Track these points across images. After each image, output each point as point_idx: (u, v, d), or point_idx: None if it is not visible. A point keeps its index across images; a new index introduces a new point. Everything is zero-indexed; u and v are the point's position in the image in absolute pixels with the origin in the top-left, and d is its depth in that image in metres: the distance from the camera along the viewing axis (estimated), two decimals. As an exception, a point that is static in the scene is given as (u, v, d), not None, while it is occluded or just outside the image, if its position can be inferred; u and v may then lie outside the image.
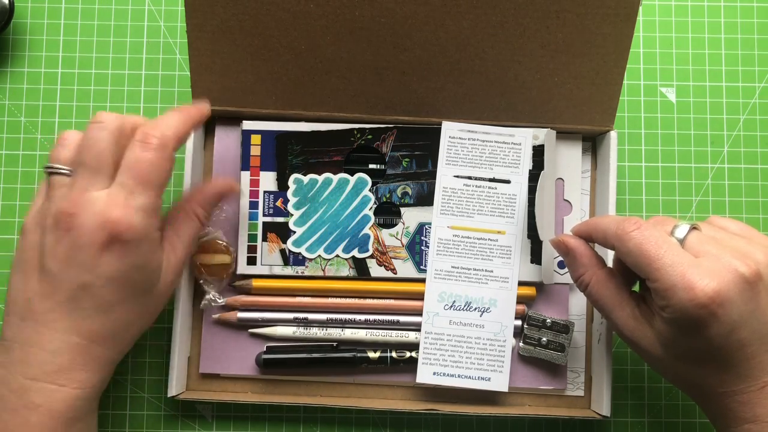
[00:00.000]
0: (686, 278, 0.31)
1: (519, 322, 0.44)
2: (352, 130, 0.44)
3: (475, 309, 0.43)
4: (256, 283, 0.44)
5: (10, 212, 0.47)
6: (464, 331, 0.43)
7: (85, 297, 0.33)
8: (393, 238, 0.44)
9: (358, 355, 0.44)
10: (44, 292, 0.33)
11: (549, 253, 0.44)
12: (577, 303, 0.45)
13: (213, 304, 0.44)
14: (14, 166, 0.47)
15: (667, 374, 0.36)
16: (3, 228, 0.47)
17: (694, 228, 0.34)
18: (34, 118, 0.48)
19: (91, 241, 0.32)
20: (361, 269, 0.44)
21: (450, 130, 0.44)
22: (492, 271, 0.44)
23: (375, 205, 0.44)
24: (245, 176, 0.44)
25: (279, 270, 0.44)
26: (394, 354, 0.44)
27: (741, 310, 0.31)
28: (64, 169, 0.35)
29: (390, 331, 0.44)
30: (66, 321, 0.33)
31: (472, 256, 0.44)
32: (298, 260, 0.44)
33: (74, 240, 0.32)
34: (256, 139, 0.44)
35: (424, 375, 0.43)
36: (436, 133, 0.44)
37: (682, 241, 0.33)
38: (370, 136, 0.44)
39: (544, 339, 0.43)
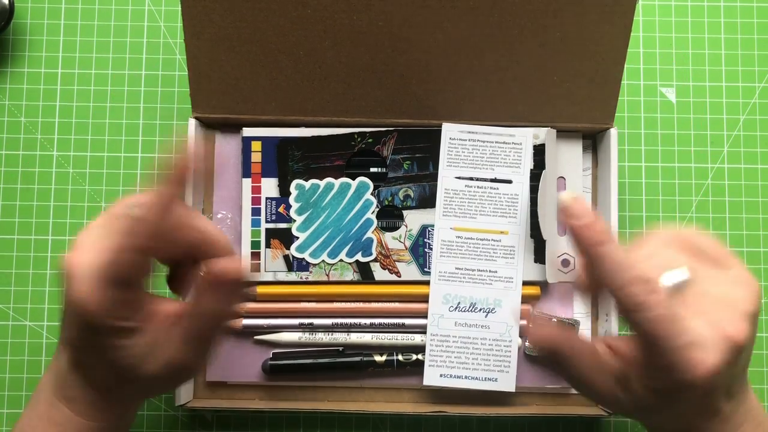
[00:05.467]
0: (691, 359, 0.29)
1: (524, 322, 0.44)
2: (352, 134, 0.44)
3: (480, 310, 0.43)
4: (261, 289, 0.44)
5: (10, 212, 0.47)
6: (470, 332, 0.43)
7: (76, 352, 0.32)
8: (396, 241, 0.44)
9: (365, 359, 0.44)
10: (62, 324, 0.33)
11: (553, 252, 0.44)
12: (582, 301, 0.45)
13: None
14: (14, 166, 0.47)
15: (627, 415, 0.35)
16: (3, 228, 0.47)
17: (685, 277, 0.32)
18: (34, 118, 0.48)
19: (68, 303, 0.31)
20: (365, 273, 0.44)
21: (450, 131, 0.44)
22: (496, 272, 0.44)
23: (377, 209, 0.44)
24: (247, 183, 0.44)
25: (283, 276, 0.44)
26: (400, 357, 0.44)
27: (728, 375, 0.30)
28: None
29: (396, 334, 0.44)
30: (72, 360, 0.32)
31: (475, 257, 0.44)
32: (302, 266, 0.44)
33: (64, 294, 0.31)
34: (256, 146, 0.44)
35: (431, 377, 0.43)
36: (437, 135, 0.44)
37: (673, 289, 0.31)
38: (370, 140, 0.44)
39: (550, 338, 0.43)
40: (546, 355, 0.32)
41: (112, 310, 0.30)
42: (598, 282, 0.33)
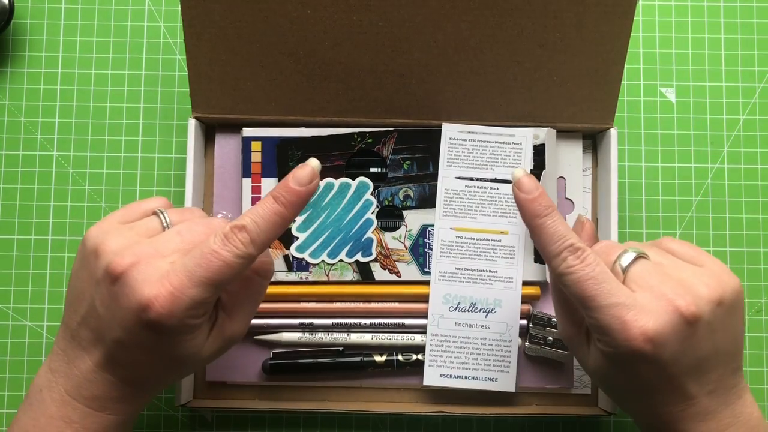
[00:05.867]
0: (622, 320, 0.30)
1: (524, 322, 0.44)
2: (352, 134, 0.44)
3: (480, 310, 0.43)
4: (261, 289, 0.44)
5: (10, 212, 0.47)
6: (470, 332, 0.43)
7: (120, 351, 0.32)
8: (396, 241, 0.44)
9: (365, 359, 0.44)
10: (89, 327, 0.32)
11: (552, 252, 0.44)
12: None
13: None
14: (14, 166, 0.47)
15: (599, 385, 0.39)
16: (3, 228, 0.47)
17: (640, 257, 0.33)
18: (34, 118, 0.48)
19: (128, 306, 0.30)
20: (365, 273, 0.44)
21: (450, 131, 0.44)
22: (496, 272, 0.44)
23: (377, 209, 0.44)
24: (247, 183, 0.44)
25: (283, 276, 0.44)
26: (400, 357, 0.44)
27: (675, 350, 0.30)
28: (165, 218, 0.34)
29: (396, 335, 0.44)
30: (103, 361, 0.32)
31: (475, 257, 0.44)
32: (302, 266, 0.44)
33: (117, 295, 0.31)
34: (256, 146, 0.44)
35: (431, 377, 0.43)
36: (437, 135, 0.44)
37: (625, 270, 0.32)
38: (370, 140, 0.44)
39: (550, 338, 0.43)
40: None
41: (188, 316, 0.31)
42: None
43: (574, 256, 0.32)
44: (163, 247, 0.32)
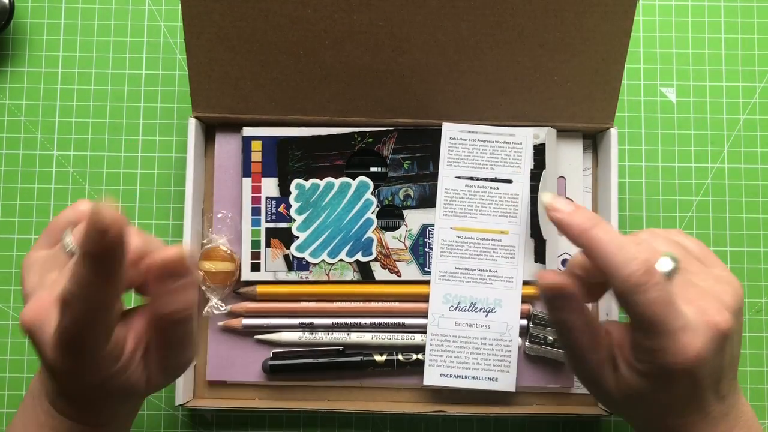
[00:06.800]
0: (682, 342, 0.29)
1: (524, 322, 0.44)
2: (352, 134, 0.44)
3: (481, 309, 0.43)
4: (261, 289, 0.44)
5: (10, 212, 0.47)
6: (470, 332, 0.43)
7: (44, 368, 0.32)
8: (396, 240, 0.44)
9: (365, 358, 0.44)
10: None
11: (553, 252, 0.44)
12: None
13: (215, 311, 0.43)
14: (14, 165, 0.47)
15: (609, 406, 0.36)
16: (3, 228, 0.47)
17: (675, 264, 0.31)
18: (34, 118, 0.48)
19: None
20: (365, 273, 0.44)
21: (450, 131, 0.44)
22: (496, 272, 0.44)
23: (377, 209, 0.44)
24: (247, 183, 0.44)
25: (283, 276, 0.44)
26: (400, 357, 0.44)
27: (711, 364, 0.30)
28: (70, 247, 0.32)
29: (396, 334, 0.44)
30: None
31: (475, 256, 0.44)
32: (302, 265, 0.44)
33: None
34: (256, 146, 0.44)
35: (431, 377, 0.43)
36: (437, 134, 0.44)
37: (666, 276, 0.31)
38: (370, 140, 0.44)
39: (550, 338, 0.43)
40: (550, 299, 0.32)
41: (90, 367, 0.29)
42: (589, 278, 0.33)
43: (643, 272, 0.29)
44: (35, 286, 0.31)
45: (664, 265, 0.31)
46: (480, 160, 0.44)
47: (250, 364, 0.44)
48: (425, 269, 0.44)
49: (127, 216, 0.33)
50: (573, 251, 0.45)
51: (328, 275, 0.44)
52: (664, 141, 0.48)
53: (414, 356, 0.44)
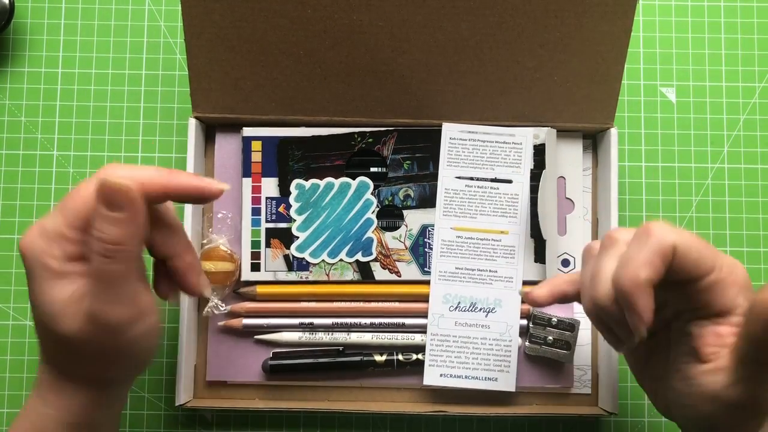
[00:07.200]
0: None
1: (524, 322, 0.44)
2: (352, 134, 0.44)
3: (480, 309, 0.43)
4: (261, 289, 0.44)
5: (10, 212, 0.47)
6: (470, 332, 0.43)
7: (37, 323, 0.32)
8: (396, 240, 0.44)
9: (365, 359, 0.44)
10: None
11: (553, 252, 0.44)
12: (582, 301, 0.45)
13: (215, 311, 0.43)
14: (14, 166, 0.47)
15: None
16: (3, 228, 0.47)
17: None
18: (34, 118, 0.48)
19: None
20: (365, 273, 0.44)
21: (450, 131, 0.44)
22: (496, 272, 0.44)
23: (377, 209, 0.44)
24: (247, 183, 0.44)
25: (283, 276, 0.44)
26: (400, 357, 0.44)
27: None
28: None
29: (396, 334, 0.44)
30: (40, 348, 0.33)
31: (475, 256, 0.44)
32: (302, 265, 0.44)
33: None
34: (256, 146, 0.44)
35: (431, 377, 0.43)
36: (437, 134, 0.44)
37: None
38: (370, 140, 0.44)
39: (550, 338, 0.43)
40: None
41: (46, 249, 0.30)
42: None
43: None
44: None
45: None
46: (480, 160, 0.44)
47: (250, 364, 0.44)
48: (425, 269, 0.44)
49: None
50: (573, 251, 0.45)
51: (328, 275, 0.44)
52: (664, 141, 0.48)
53: (414, 356, 0.44)
